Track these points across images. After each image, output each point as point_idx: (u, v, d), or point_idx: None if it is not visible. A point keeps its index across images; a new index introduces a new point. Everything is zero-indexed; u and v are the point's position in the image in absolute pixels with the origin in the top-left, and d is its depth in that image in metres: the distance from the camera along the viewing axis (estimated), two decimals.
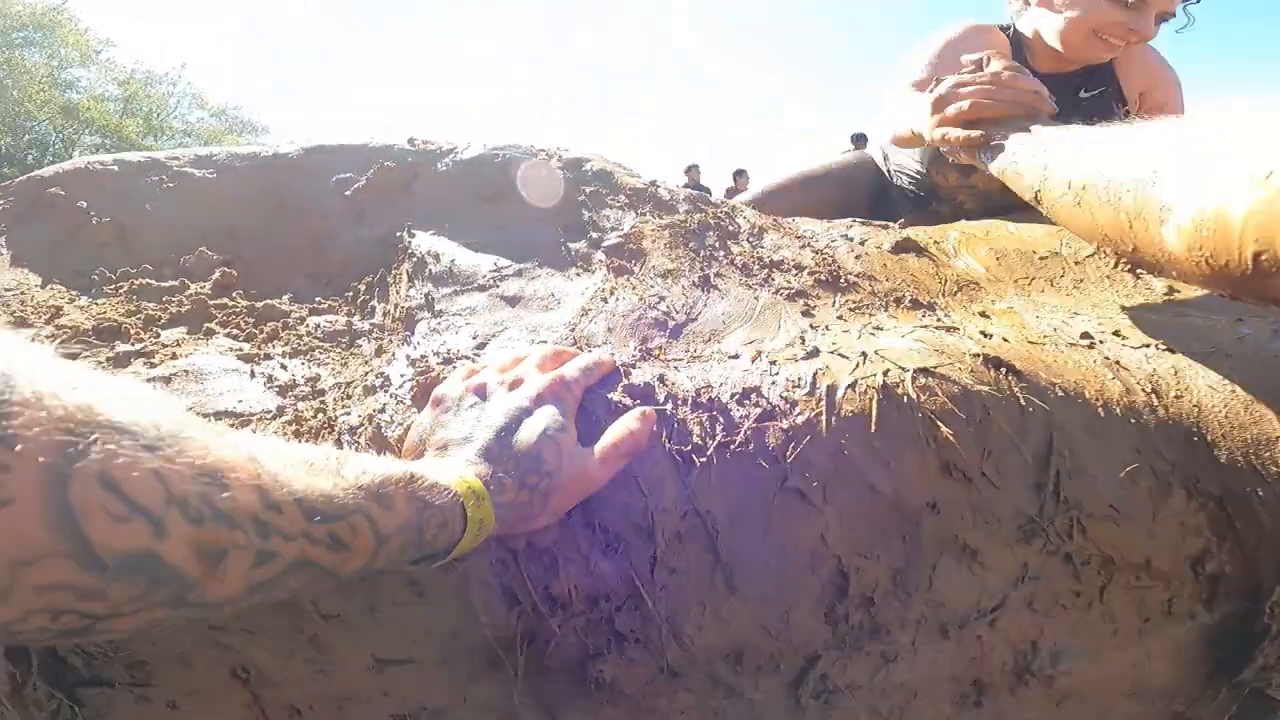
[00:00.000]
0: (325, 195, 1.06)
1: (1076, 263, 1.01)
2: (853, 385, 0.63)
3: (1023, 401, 0.62)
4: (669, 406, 0.63)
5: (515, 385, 0.58)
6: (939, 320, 0.80)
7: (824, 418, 0.62)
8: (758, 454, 0.60)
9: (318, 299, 0.93)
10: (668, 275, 0.94)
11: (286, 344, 0.78)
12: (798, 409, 0.63)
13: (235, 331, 0.80)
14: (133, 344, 0.75)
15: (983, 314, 0.87)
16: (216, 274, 0.90)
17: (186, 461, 0.30)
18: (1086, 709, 0.70)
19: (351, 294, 0.93)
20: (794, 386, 0.65)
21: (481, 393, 0.58)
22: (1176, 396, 0.63)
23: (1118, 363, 0.67)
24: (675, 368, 0.71)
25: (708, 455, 0.59)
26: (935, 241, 1.11)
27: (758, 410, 0.63)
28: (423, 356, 0.72)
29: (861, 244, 1.07)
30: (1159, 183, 0.52)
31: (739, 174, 8.03)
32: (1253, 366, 0.64)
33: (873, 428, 0.61)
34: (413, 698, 0.57)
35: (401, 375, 0.68)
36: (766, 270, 0.98)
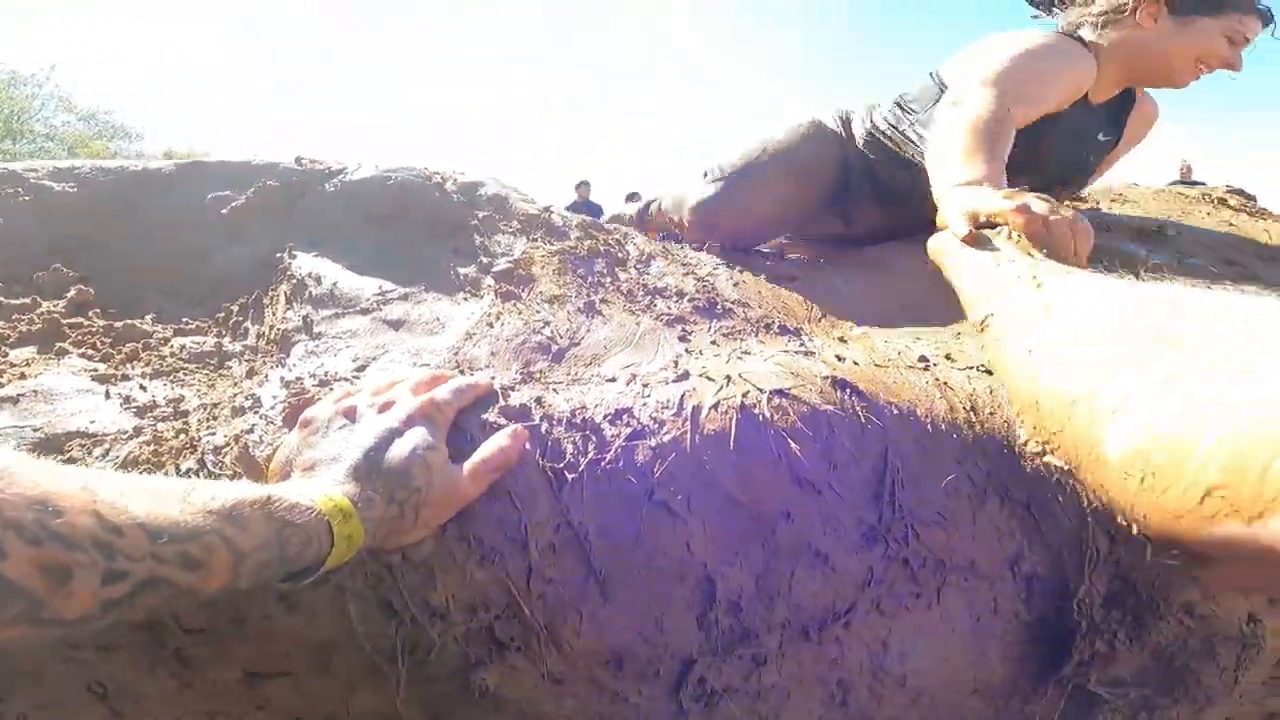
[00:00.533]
0: (199, 213, 1.03)
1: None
2: (715, 406, 0.68)
3: (863, 419, 0.69)
4: (544, 426, 0.66)
5: (387, 407, 0.60)
6: (800, 345, 0.88)
7: (689, 436, 0.66)
8: (627, 470, 0.64)
9: (185, 319, 0.89)
10: (554, 301, 0.97)
11: (148, 364, 0.75)
12: (665, 428, 0.67)
13: (90, 351, 0.76)
14: None
15: (840, 339, 0.95)
16: (72, 291, 0.85)
17: (17, 492, 0.32)
18: (939, 708, 0.77)
19: (224, 315, 0.90)
20: (663, 408, 0.69)
21: (352, 415, 0.59)
22: (990, 413, 0.73)
23: (945, 383, 0.76)
24: (554, 390, 0.74)
25: (579, 471, 0.63)
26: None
27: (628, 430, 0.67)
28: (298, 379, 0.72)
29: (741, 272, 1.14)
30: (1123, 374, 0.44)
31: (632, 196, 8.13)
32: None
33: (732, 445, 0.66)
34: (293, 710, 0.57)
35: (274, 397, 0.68)
36: (650, 297, 1.03)
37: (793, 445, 0.66)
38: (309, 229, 1.02)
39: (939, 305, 1.08)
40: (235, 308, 0.91)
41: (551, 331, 0.89)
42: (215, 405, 0.71)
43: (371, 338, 0.82)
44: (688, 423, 0.67)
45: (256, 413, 0.65)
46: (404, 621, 0.57)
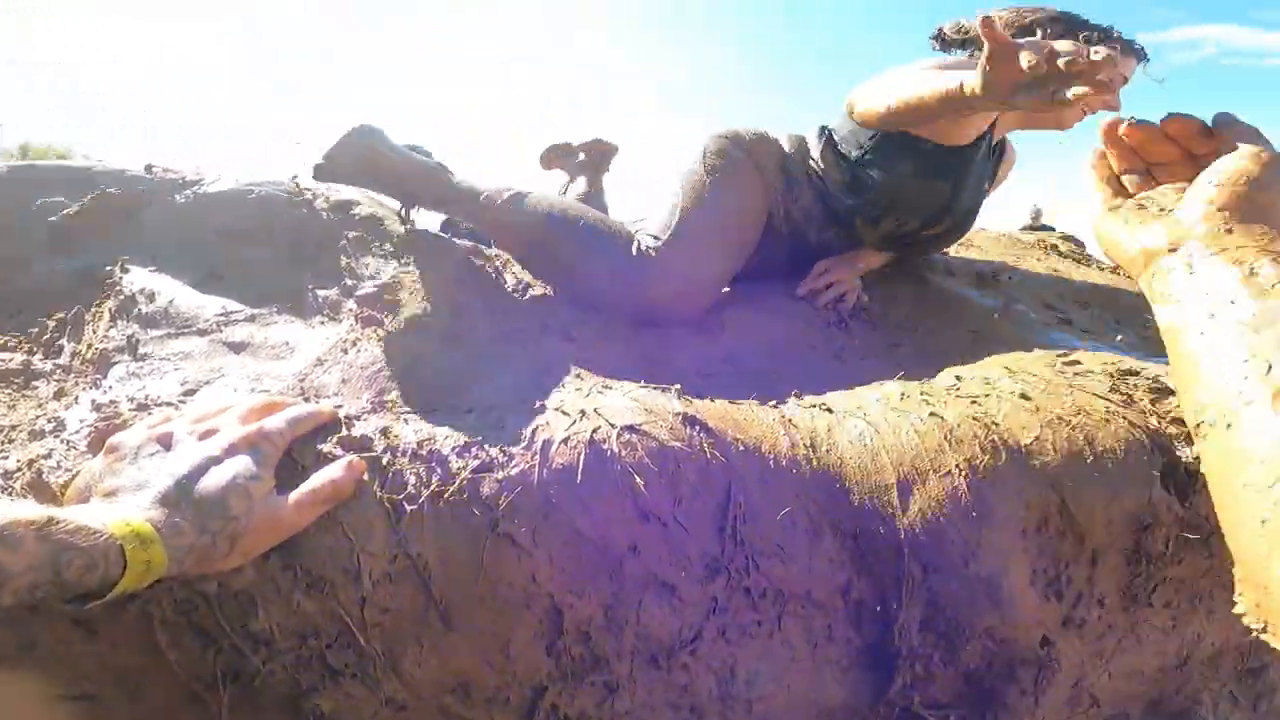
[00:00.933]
0: (24, 219, 0.93)
1: None
2: (565, 440, 0.69)
3: (709, 455, 0.72)
4: (386, 457, 0.64)
5: (209, 435, 0.57)
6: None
7: (536, 470, 0.66)
8: (471, 502, 0.63)
9: None
10: (419, 329, 0.95)
11: None
12: (514, 461, 0.67)
13: None
14: None
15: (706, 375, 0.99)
16: None
17: None
18: None
19: (37, 330, 0.82)
20: (514, 441, 0.69)
21: (167, 441, 0.56)
22: (827, 450, 0.78)
23: (790, 420, 0.81)
24: (404, 420, 0.72)
25: (419, 503, 0.61)
26: None
27: (476, 462, 0.66)
28: (112, 402, 0.66)
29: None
30: None
31: None
32: (881, 423, 0.81)
33: (579, 479, 0.67)
34: None
35: (81, 420, 0.62)
36: (521, 328, 1.04)
37: (638, 480, 0.67)
38: (151, 242, 0.95)
39: (807, 345, 1.15)
40: (52, 323, 0.82)
41: (411, 360, 0.87)
42: (13, 428, 0.64)
43: (206, 360, 0.77)
44: (536, 456, 0.67)
45: (58, 437, 0.59)
46: (222, 649, 0.54)
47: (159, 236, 0.96)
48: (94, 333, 0.79)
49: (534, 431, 0.70)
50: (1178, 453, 0.75)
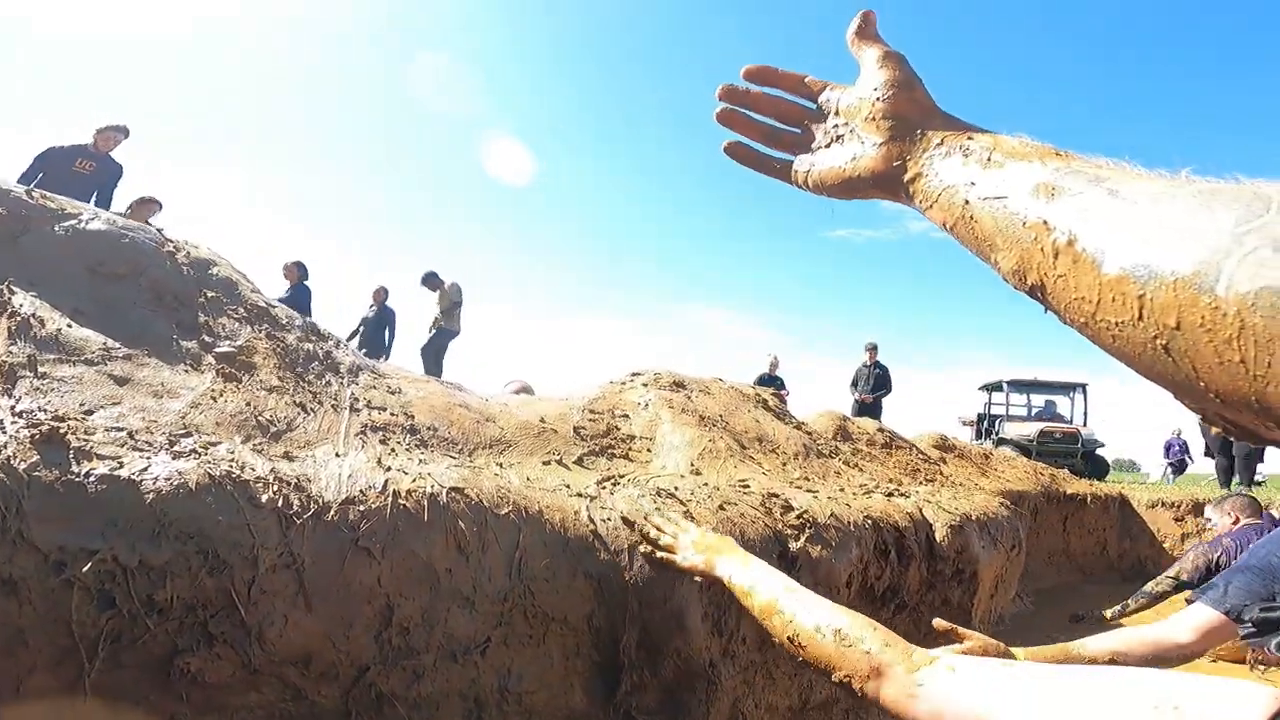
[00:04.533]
0: None
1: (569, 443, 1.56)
2: (409, 491, 0.96)
3: (508, 514, 1.04)
4: (275, 485, 0.86)
5: None
6: (469, 462, 1.21)
7: (388, 507, 0.93)
8: (340, 522, 0.87)
9: None
10: (273, 391, 1.15)
11: None
12: (370, 500, 0.93)
13: None
14: None
15: (500, 463, 1.31)
16: None
17: None
18: None
19: None
20: (369, 486, 0.95)
21: None
22: (589, 518, 1.14)
23: (569, 499, 1.16)
24: (278, 461, 0.94)
25: (303, 520, 0.84)
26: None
27: (343, 496, 0.91)
28: (30, 411, 0.79)
29: (424, 398, 1.44)
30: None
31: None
32: (622, 506, 1.20)
33: (421, 516, 0.94)
34: None
35: (14, 423, 0.75)
36: (356, 403, 1.27)
37: (461, 524, 0.97)
38: (32, 268, 1.05)
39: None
40: None
41: (271, 416, 1.07)
42: None
43: (98, 389, 0.91)
44: (388, 498, 0.94)
45: (3, 433, 0.73)
46: (121, 614, 0.70)
47: (39, 263, 1.06)
48: None
49: (385, 482, 0.96)
50: (789, 544, 1.24)
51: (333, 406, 1.22)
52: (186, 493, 0.76)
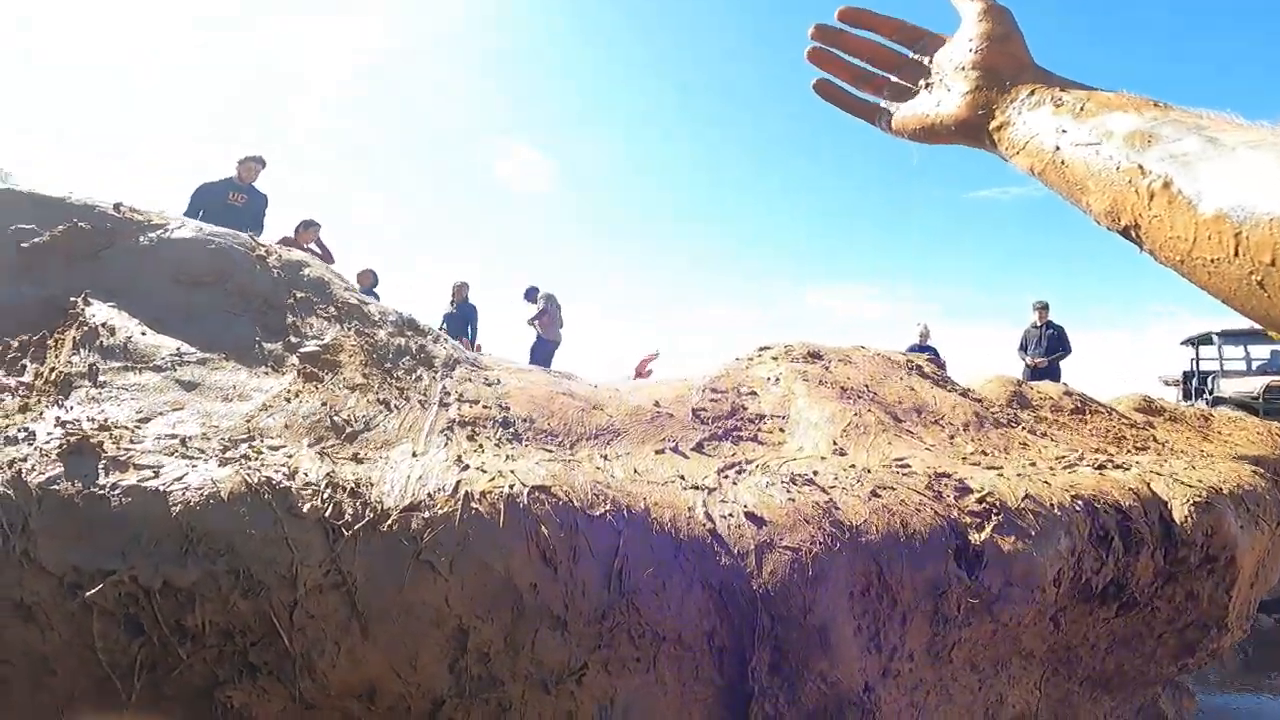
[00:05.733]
0: None
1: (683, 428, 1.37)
2: (485, 493, 0.81)
3: (604, 515, 0.87)
4: (328, 491, 0.75)
5: None
6: (568, 455, 1.05)
7: (458, 513, 0.79)
8: (400, 533, 0.74)
9: None
10: (356, 389, 1.06)
11: None
12: (438, 504, 0.79)
13: None
14: None
15: (604, 455, 1.14)
16: None
17: None
18: None
19: (1, 349, 0.87)
20: (439, 489, 0.81)
21: None
22: (706, 514, 0.94)
23: (677, 492, 0.97)
24: (342, 464, 0.83)
25: (354, 530, 0.72)
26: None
27: (406, 502, 0.77)
28: (76, 420, 0.73)
29: (524, 388, 1.31)
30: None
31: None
32: (747, 499, 0.98)
33: (501, 523, 0.79)
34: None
35: (49, 433, 0.69)
36: (447, 397, 1.16)
37: (544, 530, 0.80)
38: (113, 279, 1.03)
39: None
40: (15, 344, 0.88)
41: (348, 415, 0.98)
42: None
43: (160, 394, 0.85)
44: (459, 503, 0.79)
45: (31, 444, 0.67)
46: (150, 640, 0.61)
47: (121, 274, 1.04)
48: (57, 357, 0.85)
49: (458, 483, 0.82)
50: (970, 536, 0.97)
51: (420, 402, 1.11)
52: (217, 503, 0.66)
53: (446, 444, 1.00)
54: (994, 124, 0.46)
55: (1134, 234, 0.38)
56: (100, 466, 0.68)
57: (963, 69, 0.49)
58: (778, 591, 0.90)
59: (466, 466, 0.89)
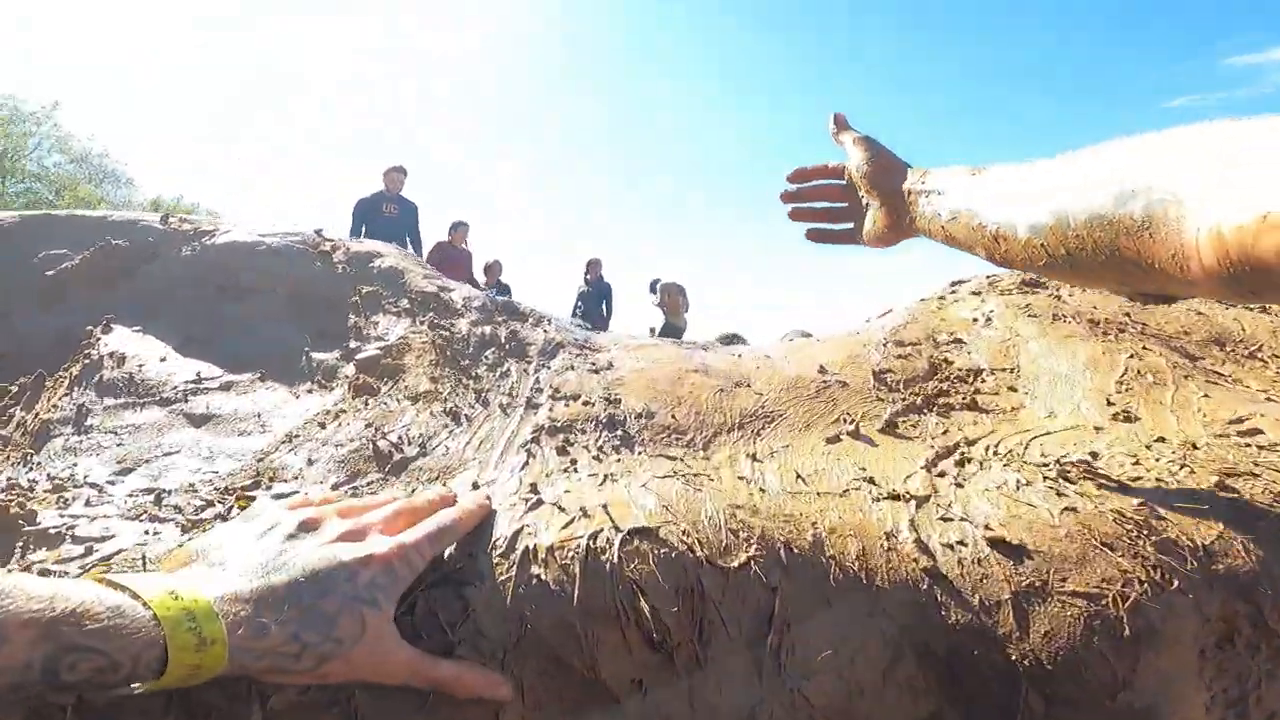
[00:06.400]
0: (21, 271, 0.89)
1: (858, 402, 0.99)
2: (553, 549, 0.53)
3: (749, 564, 0.54)
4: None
5: (353, 536, 0.50)
6: (692, 467, 0.73)
7: (512, 583, 0.50)
8: (422, 623, 0.48)
9: None
10: (419, 399, 0.83)
11: None
12: (485, 574, 0.51)
13: None
14: None
15: (752, 454, 0.81)
16: None
17: None
18: None
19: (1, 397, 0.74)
20: (493, 546, 0.54)
21: (312, 526, 0.49)
22: (945, 545, 0.58)
23: (863, 512, 0.62)
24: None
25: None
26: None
27: (436, 574, 0.51)
28: (28, 480, 0.55)
29: (642, 370, 1.01)
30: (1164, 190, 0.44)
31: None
32: (984, 515, 0.61)
33: (570, 596, 0.50)
34: None
35: None
36: (538, 396, 0.89)
37: (643, 602, 0.50)
38: (146, 298, 0.88)
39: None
40: (14, 388, 0.75)
41: (400, 436, 0.74)
42: None
43: (157, 435, 0.66)
44: (514, 568, 0.51)
45: None
46: None
47: (157, 289, 0.89)
48: (48, 400, 0.70)
49: (517, 535, 0.54)
50: None
51: (501, 406, 0.86)
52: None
53: (525, 464, 0.73)
54: (907, 221, 0.71)
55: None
56: (18, 546, 0.48)
57: (865, 190, 0.77)
58: (1061, 661, 0.53)
59: (540, 502, 0.60)
